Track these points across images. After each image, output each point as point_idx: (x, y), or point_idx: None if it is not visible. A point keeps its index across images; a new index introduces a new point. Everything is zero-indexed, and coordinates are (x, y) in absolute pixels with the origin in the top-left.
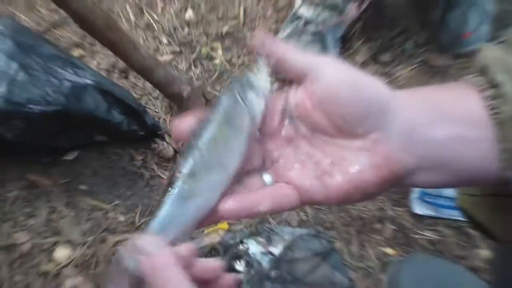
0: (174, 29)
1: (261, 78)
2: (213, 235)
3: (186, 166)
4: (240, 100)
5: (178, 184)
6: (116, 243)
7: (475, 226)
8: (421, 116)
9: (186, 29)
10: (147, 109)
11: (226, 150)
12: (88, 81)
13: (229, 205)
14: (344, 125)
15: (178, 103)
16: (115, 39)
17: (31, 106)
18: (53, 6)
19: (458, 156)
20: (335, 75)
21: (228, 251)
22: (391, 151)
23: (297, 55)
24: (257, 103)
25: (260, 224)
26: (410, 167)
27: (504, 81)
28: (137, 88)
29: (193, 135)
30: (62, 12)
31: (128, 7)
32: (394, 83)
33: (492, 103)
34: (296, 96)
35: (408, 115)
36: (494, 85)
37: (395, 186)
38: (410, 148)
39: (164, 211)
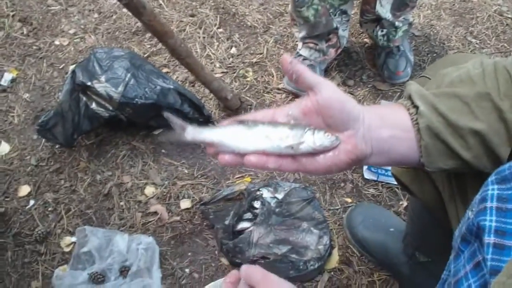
0: (224, 58)
1: None
2: (241, 185)
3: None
4: None
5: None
6: (182, 186)
7: (401, 186)
8: (374, 122)
9: (230, 59)
10: (205, 105)
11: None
12: (171, 86)
13: (252, 157)
14: (332, 124)
15: (224, 103)
16: (190, 62)
17: (136, 99)
18: (153, 42)
19: (394, 148)
20: (331, 92)
21: (250, 195)
22: (357, 143)
23: (310, 73)
24: None
25: (270, 179)
26: (367, 153)
27: (420, 104)
28: (199, 92)
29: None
30: (158, 45)
31: (197, 45)
32: (355, 99)
33: (413, 117)
34: (304, 101)
35: (367, 121)
36: (414, 106)
37: (357, 164)
38: (367, 141)
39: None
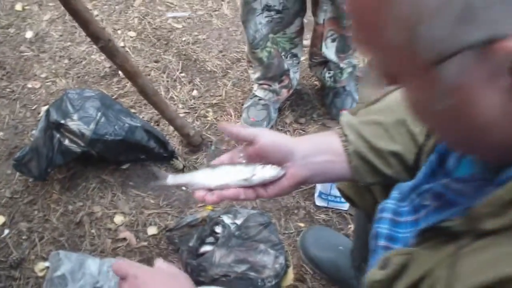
0: (186, 100)
1: None
2: (203, 212)
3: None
4: None
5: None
6: (149, 215)
7: (345, 198)
8: (310, 151)
9: (192, 100)
10: (170, 141)
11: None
12: (138, 124)
13: (219, 191)
14: (273, 162)
15: (186, 139)
16: (156, 100)
17: (107, 136)
18: (120, 85)
19: (330, 170)
20: (265, 139)
21: (211, 221)
22: (296, 170)
23: (244, 129)
24: None
25: (230, 207)
26: (306, 177)
27: (348, 133)
28: (164, 130)
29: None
30: (125, 88)
31: (161, 88)
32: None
33: (344, 144)
34: (249, 149)
35: (302, 152)
36: (345, 135)
37: (301, 185)
38: (304, 167)
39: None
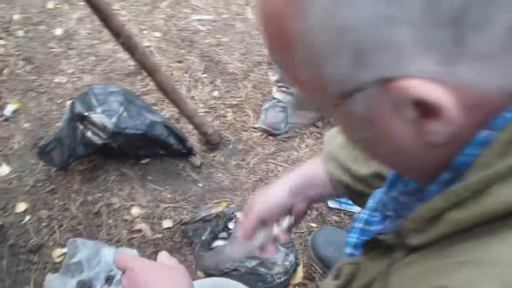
0: (206, 100)
1: None
2: (218, 208)
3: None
4: None
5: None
6: (165, 208)
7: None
8: (302, 186)
9: (213, 100)
10: (188, 138)
11: None
12: (159, 120)
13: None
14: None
15: (205, 137)
16: (175, 98)
17: (128, 129)
18: (143, 83)
19: (325, 197)
20: (261, 210)
21: (225, 217)
22: (299, 208)
23: (248, 219)
24: None
25: (243, 204)
26: (307, 206)
27: (329, 163)
28: (184, 128)
29: None
30: (148, 86)
31: (183, 87)
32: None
33: (327, 175)
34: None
35: (297, 188)
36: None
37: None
38: (304, 200)
39: None
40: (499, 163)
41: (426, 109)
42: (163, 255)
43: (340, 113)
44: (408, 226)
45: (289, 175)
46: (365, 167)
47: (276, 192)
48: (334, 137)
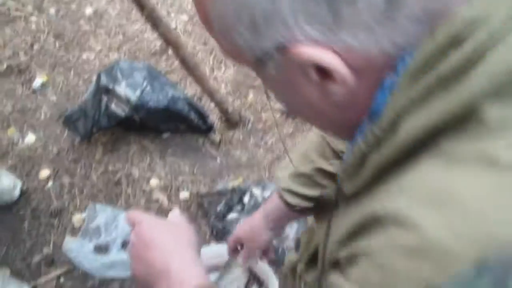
0: (229, 81)
1: None
2: (235, 182)
3: None
4: None
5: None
6: (183, 181)
7: None
8: (266, 223)
9: (235, 82)
10: (212, 113)
11: None
12: (181, 95)
13: None
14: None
15: (225, 116)
16: (198, 74)
17: (150, 103)
18: (169, 62)
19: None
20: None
21: (241, 191)
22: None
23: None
24: None
25: (260, 180)
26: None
27: (286, 196)
28: (205, 106)
29: None
30: (173, 66)
31: (207, 68)
32: None
33: (287, 206)
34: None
35: (260, 226)
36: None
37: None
38: (270, 233)
39: None
40: (403, 99)
41: (323, 72)
42: (174, 213)
43: (262, 77)
44: (342, 176)
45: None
46: (316, 191)
47: (254, 217)
48: (282, 172)
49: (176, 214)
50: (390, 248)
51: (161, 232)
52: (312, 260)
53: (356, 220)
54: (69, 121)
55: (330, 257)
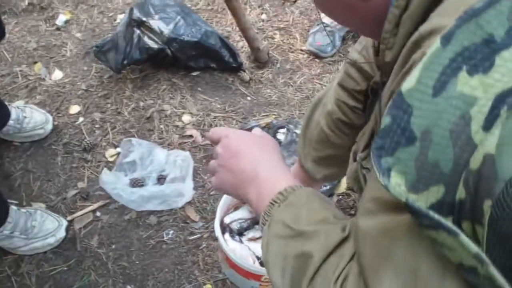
0: (255, 22)
1: None
2: (267, 119)
3: None
4: None
5: None
6: (215, 117)
7: None
8: None
9: (261, 23)
10: (240, 52)
11: None
12: (213, 31)
13: None
14: None
15: (255, 54)
16: (236, 6)
17: (183, 36)
18: (195, 6)
19: None
20: None
21: (274, 127)
22: None
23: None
24: None
25: (292, 118)
26: None
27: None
28: (236, 42)
29: None
30: (199, 4)
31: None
32: None
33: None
34: None
35: None
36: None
37: None
38: None
39: None
40: None
41: None
42: (257, 130)
43: None
44: (382, 47)
45: None
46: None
47: None
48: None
49: (259, 130)
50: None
51: (247, 142)
52: (369, 144)
53: (400, 61)
54: (99, 52)
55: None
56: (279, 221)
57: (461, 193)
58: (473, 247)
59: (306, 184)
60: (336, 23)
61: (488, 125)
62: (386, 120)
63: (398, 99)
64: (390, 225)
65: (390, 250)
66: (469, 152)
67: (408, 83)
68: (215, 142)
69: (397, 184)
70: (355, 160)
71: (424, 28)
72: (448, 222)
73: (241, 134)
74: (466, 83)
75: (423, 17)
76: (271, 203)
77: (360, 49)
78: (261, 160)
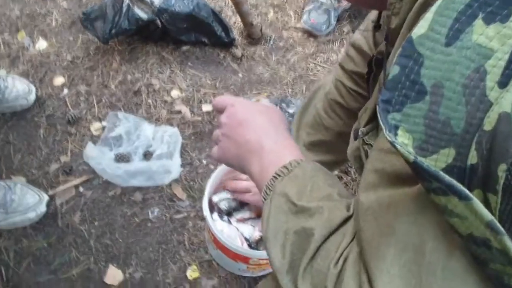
0: None
1: None
2: (258, 97)
3: None
4: None
5: None
6: (205, 94)
7: None
8: None
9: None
10: (233, 28)
11: None
12: (206, 3)
13: None
14: None
15: (248, 29)
16: None
17: (174, 7)
18: None
19: None
20: None
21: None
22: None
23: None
24: None
25: (285, 97)
26: None
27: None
28: (229, 17)
29: None
30: None
31: None
32: None
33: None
34: None
35: None
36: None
37: None
38: None
39: None
40: None
41: None
42: (264, 101)
43: None
44: (389, 14)
45: None
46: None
47: None
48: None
49: (266, 101)
50: None
51: (254, 112)
52: (372, 119)
53: (407, 24)
54: (86, 20)
55: None
56: (282, 194)
57: (473, 157)
58: (487, 214)
59: None
60: (331, 1)
61: (504, 81)
62: (394, 70)
63: (408, 46)
64: (393, 199)
65: (393, 225)
66: (483, 111)
67: (420, 29)
68: (220, 111)
69: (404, 144)
70: (356, 138)
71: None
72: (460, 185)
73: (248, 103)
74: (482, 32)
75: None
76: (275, 176)
77: (363, 29)
78: (267, 131)
